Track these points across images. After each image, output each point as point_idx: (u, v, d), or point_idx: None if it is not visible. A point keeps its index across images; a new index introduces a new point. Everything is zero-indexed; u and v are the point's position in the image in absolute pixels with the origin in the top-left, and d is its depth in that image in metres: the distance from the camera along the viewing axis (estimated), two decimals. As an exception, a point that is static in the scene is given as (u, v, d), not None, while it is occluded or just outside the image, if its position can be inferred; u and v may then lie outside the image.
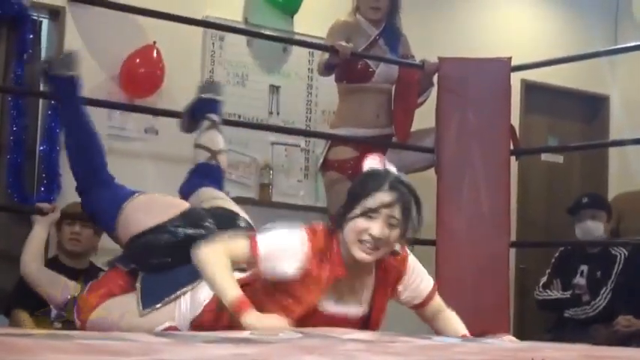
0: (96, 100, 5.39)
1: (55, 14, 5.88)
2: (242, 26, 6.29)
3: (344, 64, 5.46)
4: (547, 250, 6.59)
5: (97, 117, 5.77)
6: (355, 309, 3.23)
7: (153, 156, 6.09)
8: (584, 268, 5.80)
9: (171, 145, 6.11)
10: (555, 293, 5.84)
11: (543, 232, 7.30)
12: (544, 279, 6.00)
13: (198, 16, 5.82)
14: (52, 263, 5.10)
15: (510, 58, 5.40)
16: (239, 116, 6.12)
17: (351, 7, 5.75)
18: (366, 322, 3.26)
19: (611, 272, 5.69)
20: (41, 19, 5.85)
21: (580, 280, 5.74)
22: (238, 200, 6.62)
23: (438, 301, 3.45)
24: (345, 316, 3.20)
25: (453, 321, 3.43)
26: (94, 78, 5.85)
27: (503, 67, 5.37)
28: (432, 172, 5.52)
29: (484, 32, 7.05)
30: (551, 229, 7.16)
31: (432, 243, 5.21)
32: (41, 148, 5.68)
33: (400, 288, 3.33)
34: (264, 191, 6.26)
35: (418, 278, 3.37)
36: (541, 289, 5.96)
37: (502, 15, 7.47)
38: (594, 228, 5.84)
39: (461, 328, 3.40)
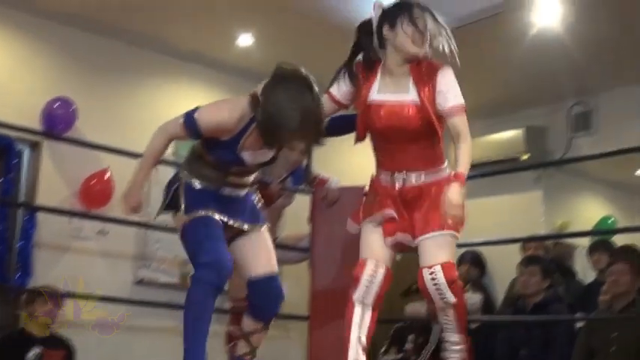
0: (60, 210, 5.39)
1: (34, 146, 5.89)
2: (172, 158, 6.32)
3: None
4: (388, 325, 6.63)
5: (61, 222, 5.74)
6: (403, 96, 3.21)
7: (103, 252, 6.04)
8: (412, 336, 5.88)
9: (118, 244, 6.09)
10: (392, 357, 5.91)
11: (386, 311, 7.31)
12: (384, 347, 6.05)
13: (140, 149, 5.82)
14: (18, 335, 4.97)
15: (364, 186, 5.48)
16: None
17: None
18: (420, 110, 3.19)
19: (429, 338, 5.78)
20: (23, 149, 5.85)
21: (409, 345, 5.83)
22: (164, 285, 6.61)
23: (459, 124, 3.19)
24: (398, 102, 3.22)
25: (461, 157, 3.18)
26: (60, 193, 5.83)
27: (359, 191, 5.44)
28: (305, 264, 5.50)
29: (345, 170, 7.10)
30: (391, 310, 7.21)
31: (305, 318, 5.18)
32: (19, 244, 5.61)
33: (437, 87, 3.18)
34: (184, 279, 6.24)
35: (449, 84, 3.20)
36: (382, 355, 6.01)
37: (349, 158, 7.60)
38: (420, 307, 5.89)
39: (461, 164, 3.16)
